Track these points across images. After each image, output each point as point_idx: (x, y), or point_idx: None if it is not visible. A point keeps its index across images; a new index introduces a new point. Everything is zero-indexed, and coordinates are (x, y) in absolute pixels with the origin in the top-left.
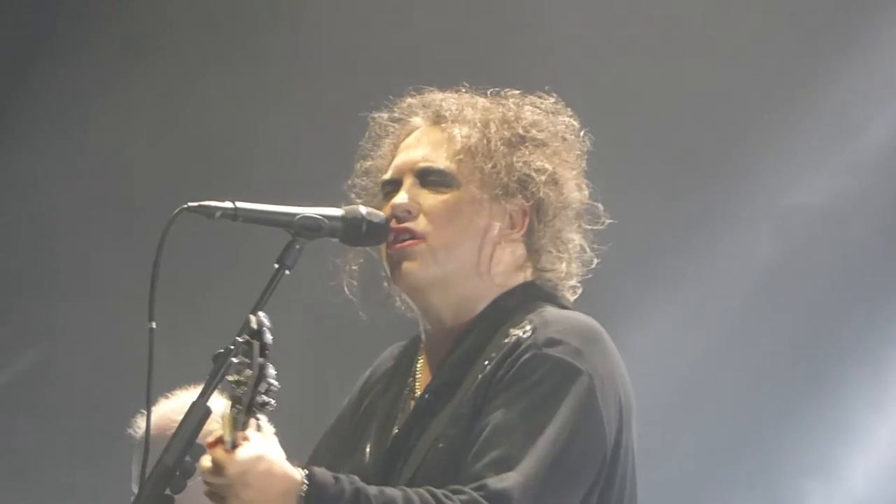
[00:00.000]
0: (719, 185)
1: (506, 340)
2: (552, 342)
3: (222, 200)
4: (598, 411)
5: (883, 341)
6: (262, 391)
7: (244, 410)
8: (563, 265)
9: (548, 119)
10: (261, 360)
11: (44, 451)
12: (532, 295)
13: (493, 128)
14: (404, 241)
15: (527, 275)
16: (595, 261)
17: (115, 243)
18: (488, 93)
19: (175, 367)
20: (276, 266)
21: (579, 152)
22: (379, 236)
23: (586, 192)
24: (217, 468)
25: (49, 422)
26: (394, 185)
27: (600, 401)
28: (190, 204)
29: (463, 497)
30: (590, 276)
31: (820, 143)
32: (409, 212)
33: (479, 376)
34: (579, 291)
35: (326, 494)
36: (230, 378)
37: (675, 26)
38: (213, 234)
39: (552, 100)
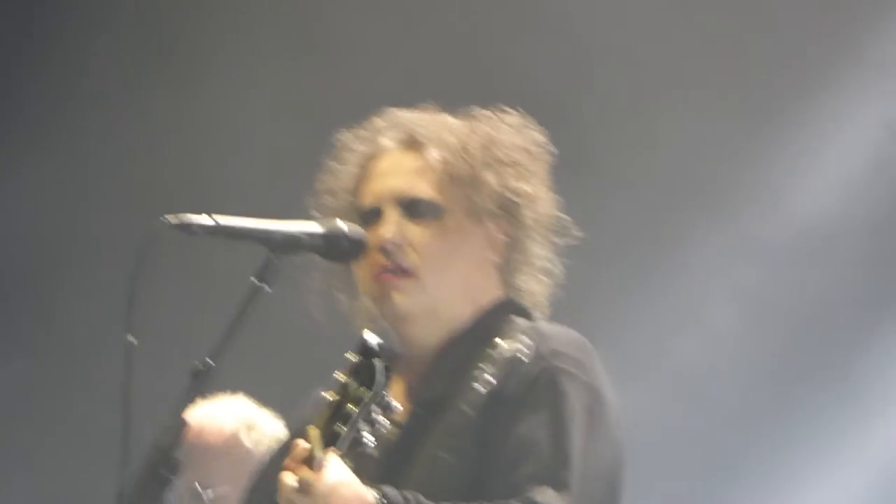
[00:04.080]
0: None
1: (495, 353)
2: (556, 354)
3: (199, 214)
4: (610, 419)
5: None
6: (379, 410)
7: (353, 426)
8: (535, 282)
9: (521, 137)
10: (383, 379)
11: (22, 463)
12: (510, 311)
13: (471, 152)
14: (394, 273)
15: (500, 293)
16: (563, 276)
17: (100, 258)
18: (458, 111)
19: (154, 384)
20: (254, 282)
21: (549, 168)
22: (359, 251)
23: (557, 209)
24: (304, 487)
25: (27, 435)
26: (374, 214)
27: (609, 410)
28: (168, 218)
29: None
30: (561, 290)
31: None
32: (399, 245)
33: (481, 389)
34: (548, 309)
35: None
36: (330, 396)
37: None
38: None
39: (518, 116)
